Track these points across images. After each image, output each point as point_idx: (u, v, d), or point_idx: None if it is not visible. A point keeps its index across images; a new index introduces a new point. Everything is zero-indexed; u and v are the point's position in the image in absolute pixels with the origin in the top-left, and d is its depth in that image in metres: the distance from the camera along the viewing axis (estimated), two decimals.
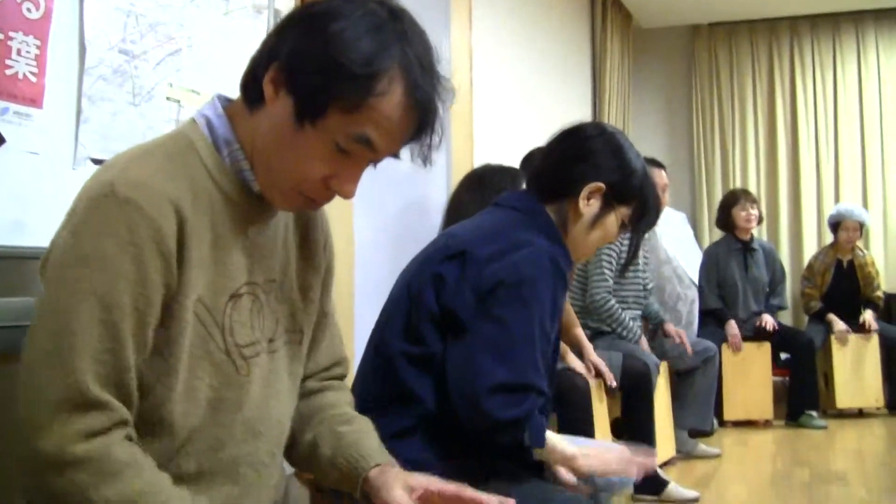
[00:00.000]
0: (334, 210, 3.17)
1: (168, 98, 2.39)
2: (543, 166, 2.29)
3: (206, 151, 1.45)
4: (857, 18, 8.35)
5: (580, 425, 3.97)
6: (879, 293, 7.13)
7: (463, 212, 3.09)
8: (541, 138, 4.46)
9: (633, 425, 4.65)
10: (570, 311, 4.72)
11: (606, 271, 5.00)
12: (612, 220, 2.21)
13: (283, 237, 1.60)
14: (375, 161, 1.46)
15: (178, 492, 1.35)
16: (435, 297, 2.07)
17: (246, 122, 1.46)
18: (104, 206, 1.30)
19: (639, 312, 5.26)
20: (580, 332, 4.64)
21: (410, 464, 1.76)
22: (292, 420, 1.66)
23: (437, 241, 2.23)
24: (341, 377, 1.84)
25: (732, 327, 6.38)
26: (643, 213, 2.25)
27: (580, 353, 4.53)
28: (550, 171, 2.26)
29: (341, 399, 1.79)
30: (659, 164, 5.27)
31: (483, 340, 2.01)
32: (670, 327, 5.50)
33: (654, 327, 5.56)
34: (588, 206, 2.19)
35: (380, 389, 2.02)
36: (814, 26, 8.44)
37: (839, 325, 6.86)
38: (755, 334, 6.59)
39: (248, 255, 1.49)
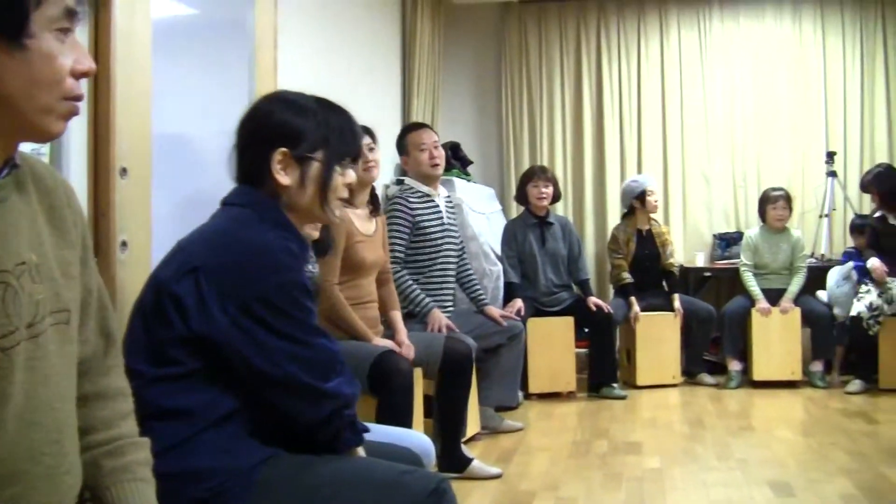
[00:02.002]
0: (131, 188, 3.12)
1: None
2: (238, 161, 2.29)
3: None
4: (661, 0, 8.64)
5: (400, 411, 3.96)
6: (673, 260, 7.48)
7: None
8: None
9: (448, 406, 4.67)
10: (392, 294, 4.73)
11: (396, 242, 5.04)
12: (318, 169, 2.21)
13: (30, 217, 1.55)
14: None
15: None
16: (181, 320, 2.04)
17: None
18: None
19: (451, 289, 5.34)
20: (396, 315, 4.65)
21: (187, 476, 1.80)
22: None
23: (169, 255, 2.21)
24: (115, 356, 1.82)
25: (512, 305, 6.26)
26: (341, 141, 2.25)
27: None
28: (240, 163, 2.27)
29: (114, 414, 1.77)
30: (423, 125, 5.45)
31: (286, 356, 2.07)
32: (493, 311, 5.60)
33: (476, 308, 5.64)
34: (287, 174, 2.19)
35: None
36: (620, 7, 8.66)
37: (635, 307, 7.14)
38: (559, 308, 6.83)
39: None
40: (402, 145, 5.32)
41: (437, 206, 5.27)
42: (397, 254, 5.04)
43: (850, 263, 7.20)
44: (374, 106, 6.78)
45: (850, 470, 4.60)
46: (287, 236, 2.14)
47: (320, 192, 2.21)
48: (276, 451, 2.09)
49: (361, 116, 4.64)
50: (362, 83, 6.54)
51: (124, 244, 2.95)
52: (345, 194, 2.28)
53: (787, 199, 7.38)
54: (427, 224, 5.17)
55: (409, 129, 5.40)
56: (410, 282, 5.05)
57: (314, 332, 2.13)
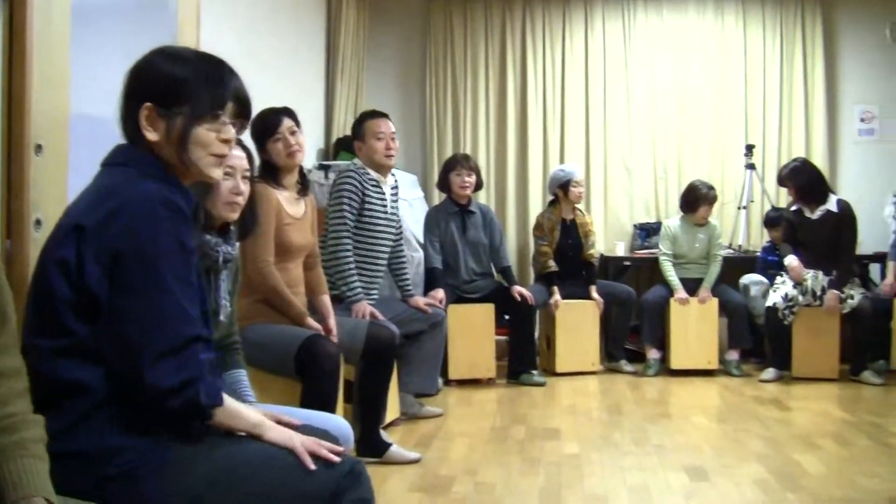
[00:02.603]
0: (47, 165, 3.07)
1: None
2: (119, 118, 2.20)
3: None
4: None
5: (325, 395, 3.94)
6: (594, 251, 7.53)
7: None
8: (271, 101, 4.45)
9: (368, 392, 4.66)
10: (320, 277, 4.67)
11: (346, 213, 5.04)
12: (180, 123, 2.10)
13: None
14: None
15: None
16: (66, 282, 1.97)
17: None
18: None
19: (381, 277, 5.34)
20: (326, 300, 4.60)
21: (95, 454, 1.77)
22: None
23: (56, 224, 2.12)
24: (9, 334, 1.80)
25: (435, 293, 6.15)
26: (207, 94, 2.13)
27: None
28: (120, 119, 2.19)
29: (9, 392, 1.75)
30: (382, 115, 5.33)
31: (126, 316, 1.95)
32: (418, 300, 5.61)
33: (401, 297, 5.65)
34: (154, 130, 2.11)
35: (34, 391, 1.89)
36: None
37: (556, 296, 7.20)
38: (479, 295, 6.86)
39: None
40: (358, 130, 5.26)
41: (384, 193, 5.26)
42: (348, 221, 5.05)
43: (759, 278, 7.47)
44: (297, 90, 6.74)
45: (763, 455, 4.70)
46: (170, 189, 2.06)
47: (178, 146, 2.11)
48: (183, 430, 2.05)
49: (284, 100, 4.64)
50: (286, 67, 6.49)
51: (38, 222, 2.90)
52: (220, 150, 2.16)
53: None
54: (371, 209, 5.17)
55: (370, 116, 5.33)
56: (353, 265, 5.04)
57: (176, 305, 1.99)
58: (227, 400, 2.16)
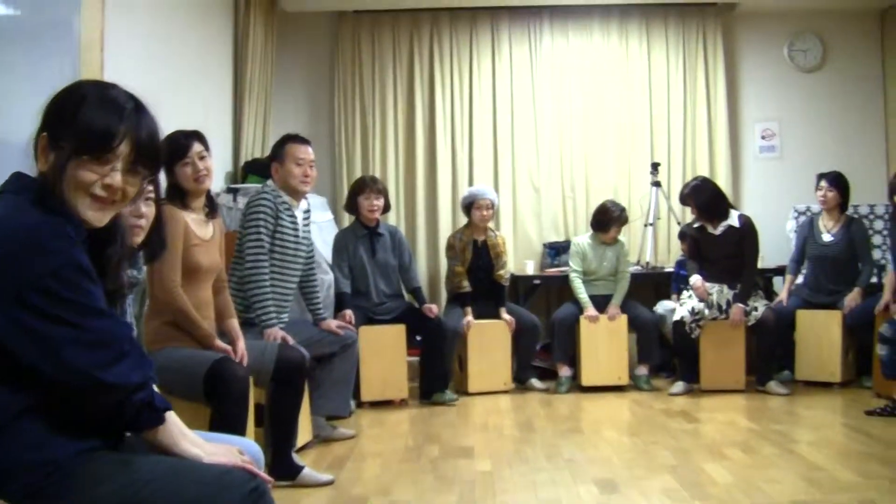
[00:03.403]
0: None
1: None
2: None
3: None
4: (494, 14, 8.81)
5: (235, 419, 3.93)
6: (503, 272, 7.52)
7: None
8: (178, 124, 4.41)
9: (279, 415, 4.64)
10: (228, 302, 4.62)
11: (263, 236, 5.04)
12: (58, 157, 2.01)
13: None
14: None
15: None
16: None
17: None
18: None
19: (291, 300, 5.33)
20: (234, 324, 4.56)
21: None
22: None
23: None
24: None
25: (342, 315, 6.31)
26: (96, 131, 2.01)
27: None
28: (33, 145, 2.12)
29: None
30: (304, 141, 5.32)
31: (60, 344, 1.93)
32: (330, 324, 5.60)
33: (313, 321, 5.64)
34: (46, 160, 2.04)
35: None
36: (453, 19, 8.80)
37: (468, 316, 7.25)
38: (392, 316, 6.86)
39: None
40: (278, 152, 5.25)
41: (295, 217, 5.25)
42: (265, 244, 5.05)
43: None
44: (205, 111, 6.69)
45: (672, 466, 4.76)
46: (61, 221, 1.99)
47: (53, 181, 2.01)
48: (93, 444, 2.03)
49: (191, 123, 4.60)
50: (193, 89, 6.44)
51: None
52: (100, 194, 2.05)
53: None
54: (282, 232, 5.16)
55: (292, 140, 5.31)
56: (269, 289, 5.04)
57: (94, 313, 1.98)
58: (173, 417, 2.20)
